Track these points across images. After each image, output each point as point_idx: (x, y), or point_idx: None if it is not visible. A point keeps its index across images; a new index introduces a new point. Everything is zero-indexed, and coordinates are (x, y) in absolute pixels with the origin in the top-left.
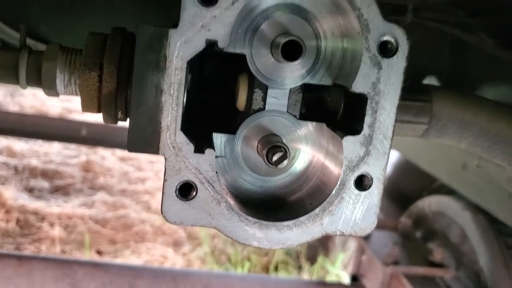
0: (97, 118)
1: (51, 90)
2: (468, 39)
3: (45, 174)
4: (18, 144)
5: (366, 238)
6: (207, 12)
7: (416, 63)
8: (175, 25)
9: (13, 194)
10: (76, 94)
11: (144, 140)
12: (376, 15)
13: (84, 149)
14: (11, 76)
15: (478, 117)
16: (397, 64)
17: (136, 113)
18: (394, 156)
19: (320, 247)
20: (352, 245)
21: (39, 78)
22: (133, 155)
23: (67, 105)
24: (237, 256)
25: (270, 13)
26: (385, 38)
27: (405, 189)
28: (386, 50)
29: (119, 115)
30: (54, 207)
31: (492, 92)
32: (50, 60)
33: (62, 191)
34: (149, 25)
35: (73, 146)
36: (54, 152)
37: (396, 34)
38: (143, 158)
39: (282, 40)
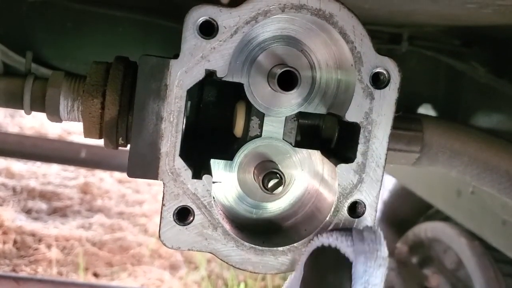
0: (96, 140)
1: (54, 116)
2: (462, 67)
3: (43, 196)
4: (17, 165)
5: None
6: (206, 44)
7: (411, 91)
8: (176, 55)
9: (10, 215)
10: (79, 120)
11: (144, 166)
12: (368, 48)
13: (82, 171)
14: (16, 102)
15: (467, 146)
16: (389, 95)
17: (137, 140)
18: (391, 182)
19: None
20: None
21: (43, 104)
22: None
23: (66, 126)
24: (233, 281)
25: (267, 45)
26: (378, 70)
27: (401, 214)
28: (379, 81)
29: (120, 141)
30: (52, 228)
31: (486, 120)
32: (54, 87)
33: (60, 212)
34: (151, 56)
35: (71, 167)
36: (52, 174)
37: (388, 66)
38: (141, 180)
39: (279, 70)
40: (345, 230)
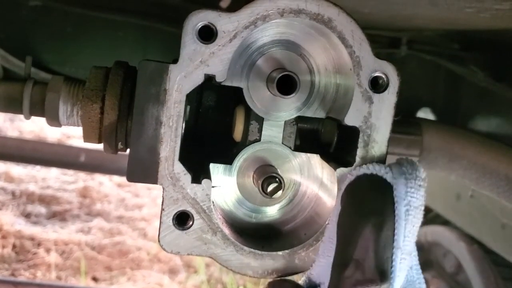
0: (95, 145)
1: (53, 120)
2: (461, 71)
3: (43, 200)
4: (16, 169)
5: None
6: (205, 49)
7: (410, 95)
8: (175, 60)
9: (10, 219)
10: (78, 125)
11: (143, 170)
12: (367, 52)
13: (82, 175)
14: (15, 106)
15: (467, 150)
16: (388, 99)
17: (136, 144)
18: None
19: None
20: None
21: (42, 108)
22: None
23: (66, 130)
24: (233, 285)
25: (266, 49)
26: (377, 74)
27: None
28: (377, 85)
29: (120, 145)
30: (51, 232)
31: (485, 123)
32: (53, 92)
33: (59, 216)
34: (151, 61)
35: (71, 171)
36: (52, 178)
37: (387, 71)
38: (140, 185)
39: (278, 74)
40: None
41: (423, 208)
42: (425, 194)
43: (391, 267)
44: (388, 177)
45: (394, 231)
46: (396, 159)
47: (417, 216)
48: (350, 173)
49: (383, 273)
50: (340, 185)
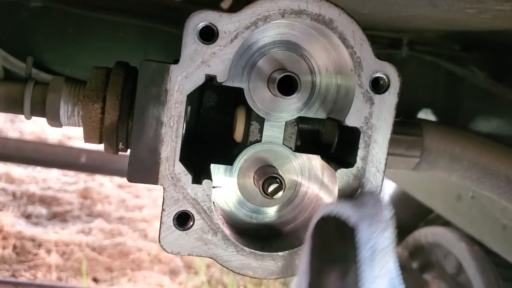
0: (96, 145)
1: (54, 121)
2: (462, 72)
3: (43, 201)
4: (17, 170)
5: None
6: (206, 49)
7: (411, 96)
8: (176, 60)
9: (10, 220)
10: (79, 125)
11: (144, 171)
12: (368, 53)
13: (82, 175)
14: (16, 107)
15: (467, 150)
16: (389, 100)
17: (137, 145)
18: (391, 186)
19: None
20: None
21: (43, 109)
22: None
23: (66, 131)
24: (233, 286)
25: (267, 50)
26: (377, 75)
27: (401, 219)
28: (378, 86)
29: (120, 146)
30: (51, 233)
31: (485, 124)
32: (54, 92)
33: (59, 217)
34: (152, 61)
35: (71, 172)
36: (52, 179)
37: (387, 71)
38: (141, 185)
39: (278, 75)
40: (348, 198)
41: (391, 247)
42: (393, 232)
43: None
44: (351, 219)
45: (357, 277)
46: (364, 192)
47: (385, 258)
48: (319, 211)
49: None
50: (313, 219)
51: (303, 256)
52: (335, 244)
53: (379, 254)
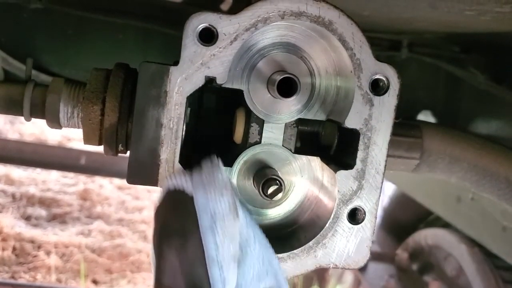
0: (96, 147)
1: (54, 122)
2: (461, 74)
3: (43, 202)
4: (17, 172)
5: (362, 270)
6: (206, 51)
7: (411, 97)
8: (176, 62)
9: (10, 222)
10: (79, 127)
11: (143, 172)
12: (368, 55)
13: (82, 177)
14: (16, 108)
15: (467, 152)
16: (389, 102)
17: (137, 146)
18: (391, 188)
19: (316, 278)
20: (349, 277)
21: (43, 110)
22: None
23: (66, 133)
24: None
25: (266, 51)
26: (377, 76)
27: (401, 221)
28: (378, 88)
29: (120, 147)
30: (51, 235)
31: (485, 126)
32: (54, 94)
33: (59, 219)
34: (151, 63)
35: (71, 174)
36: (52, 180)
37: (387, 73)
38: (141, 187)
39: (278, 77)
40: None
41: (232, 208)
42: (232, 195)
43: (209, 283)
44: (188, 189)
45: (202, 247)
46: (202, 162)
47: (228, 221)
48: (162, 187)
49: None
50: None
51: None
52: (174, 216)
53: (219, 218)
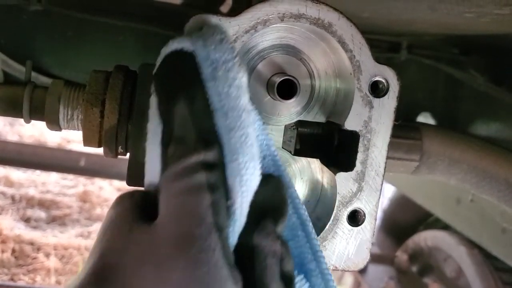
0: (95, 149)
1: (53, 124)
2: (461, 76)
3: (42, 204)
4: (16, 174)
5: (362, 272)
6: None
7: (410, 99)
8: None
9: (9, 224)
10: (78, 129)
11: (143, 174)
12: (367, 57)
13: (82, 179)
14: (15, 110)
15: (466, 154)
16: (388, 104)
17: (136, 148)
18: (391, 190)
19: None
20: (349, 279)
21: (42, 112)
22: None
23: (66, 135)
24: None
25: (266, 53)
26: (376, 78)
27: (401, 223)
28: (377, 90)
29: (120, 149)
30: (50, 237)
31: (485, 128)
32: (53, 96)
33: (58, 221)
34: (151, 65)
35: (71, 176)
36: (52, 182)
37: (387, 75)
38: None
39: (278, 79)
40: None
41: (236, 60)
42: (233, 46)
43: (215, 132)
44: (188, 48)
45: (206, 99)
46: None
47: (231, 72)
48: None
49: (206, 141)
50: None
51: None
52: (176, 74)
53: (221, 68)
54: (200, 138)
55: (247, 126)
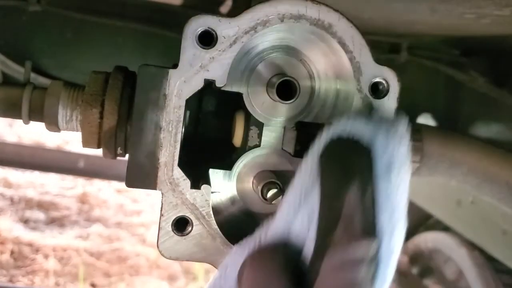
0: (94, 150)
1: (53, 125)
2: (461, 77)
3: (41, 205)
4: (15, 175)
5: None
6: (205, 54)
7: (411, 101)
8: (175, 65)
9: (8, 225)
10: (77, 130)
11: (142, 176)
12: (367, 58)
13: (81, 180)
14: (14, 111)
15: (467, 156)
16: (388, 105)
17: (135, 149)
18: None
19: None
20: None
21: (41, 113)
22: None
23: (65, 136)
24: None
25: (266, 54)
26: (377, 80)
27: None
28: (378, 91)
29: (119, 150)
30: (49, 238)
31: (485, 130)
32: (53, 97)
33: (57, 222)
34: (150, 66)
35: (70, 177)
36: (50, 183)
37: (387, 76)
38: (139, 190)
39: (278, 80)
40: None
41: (408, 161)
42: (409, 146)
43: (376, 227)
44: (365, 138)
45: (373, 192)
46: (376, 113)
47: (401, 173)
48: (329, 130)
49: (370, 232)
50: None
51: (297, 180)
52: (349, 162)
53: (395, 168)
54: (366, 230)
55: (405, 224)
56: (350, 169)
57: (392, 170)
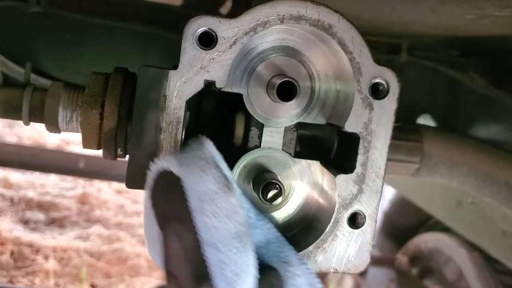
0: (95, 151)
1: (53, 126)
2: (461, 78)
3: (41, 206)
4: (15, 176)
5: (362, 275)
6: (205, 55)
7: (411, 101)
8: (175, 66)
9: (8, 226)
10: (77, 131)
11: (142, 177)
12: (367, 58)
13: (81, 181)
14: (14, 112)
15: (467, 156)
16: (388, 106)
17: (136, 150)
18: (391, 192)
19: None
20: (349, 282)
21: (41, 114)
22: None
23: (65, 137)
24: None
25: (266, 55)
26: (377, 80)
27: (401, 225)
28: (378, 92)
29: (119, 152)
30: (49, 239)
31: (485, 131)
32: (53, 98)
33: (57, 223)
34: (150, 67)
35: (70, 178)
36: (50, 184)
37: (387, 77)
38: (140, 191)
39: (278, 81)
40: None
41: (228, 186)
42: (219, 171)
43: (208, 267)
44: (175, 170)
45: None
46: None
47: (216, 200)
48: (151, 169)
49: (201, 276)
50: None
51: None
52: (168, 200)
53: (206, 199)
54: (196, 274)
55: (242, 256)
56: (166, 211)
57: (204, 202)
